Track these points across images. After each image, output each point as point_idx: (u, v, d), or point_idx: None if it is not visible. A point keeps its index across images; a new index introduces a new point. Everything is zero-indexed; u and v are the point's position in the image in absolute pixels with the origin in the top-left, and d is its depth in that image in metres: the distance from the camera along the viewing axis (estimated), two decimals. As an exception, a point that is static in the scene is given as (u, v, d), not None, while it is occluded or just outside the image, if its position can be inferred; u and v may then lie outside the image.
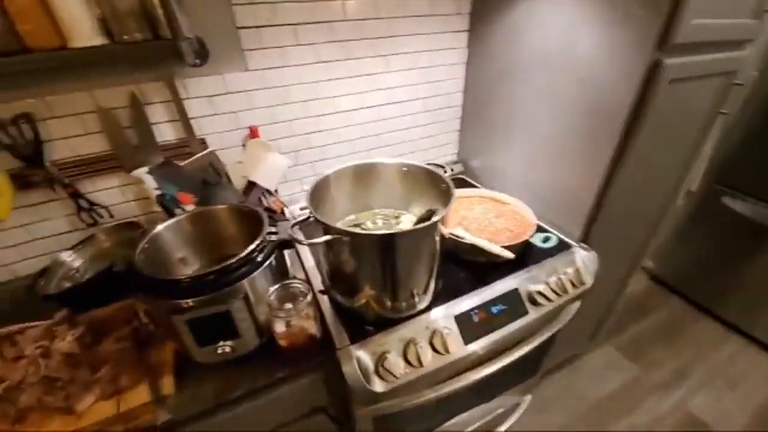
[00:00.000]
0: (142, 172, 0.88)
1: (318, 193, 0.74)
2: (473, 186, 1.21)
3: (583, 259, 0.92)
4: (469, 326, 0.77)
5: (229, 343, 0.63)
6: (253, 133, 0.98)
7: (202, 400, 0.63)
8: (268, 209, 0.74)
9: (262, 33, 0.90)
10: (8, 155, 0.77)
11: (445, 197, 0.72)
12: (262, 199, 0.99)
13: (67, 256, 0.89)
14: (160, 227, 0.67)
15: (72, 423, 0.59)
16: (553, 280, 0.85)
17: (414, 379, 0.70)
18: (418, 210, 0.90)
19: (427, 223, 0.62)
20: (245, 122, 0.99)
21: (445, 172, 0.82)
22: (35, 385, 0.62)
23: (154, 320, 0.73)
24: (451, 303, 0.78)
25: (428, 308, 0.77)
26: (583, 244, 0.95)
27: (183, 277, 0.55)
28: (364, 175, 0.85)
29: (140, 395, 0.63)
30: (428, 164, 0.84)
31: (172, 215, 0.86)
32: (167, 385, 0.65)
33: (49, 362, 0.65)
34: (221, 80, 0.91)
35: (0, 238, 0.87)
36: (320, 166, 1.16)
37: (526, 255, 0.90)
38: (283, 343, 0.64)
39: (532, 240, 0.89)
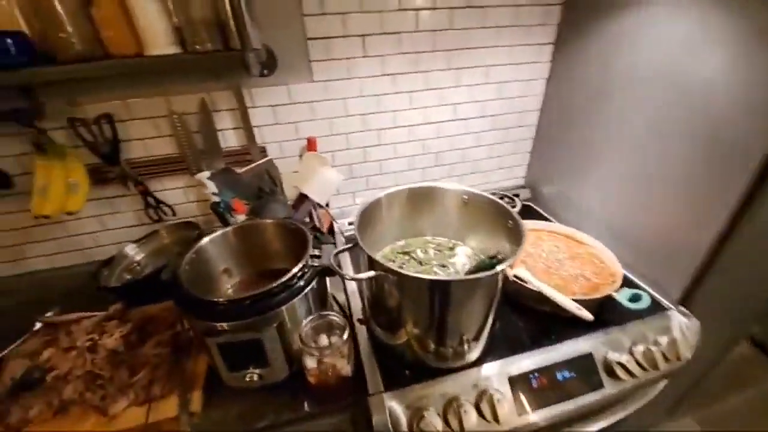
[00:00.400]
0: (204, 176, 0.90)
1: (367, 217, 0.68)
2: (543, 218, 1.06)
3: (682, 327, 0.74)
4: (526, 392, 0.64)
5: (258, 371, 0.59)
6: (311, 144, 0.96)
7: (227, 425, 0.60)
8: (315, 228, 0.69)
9: (331, 44, 0.87)
10: (88, 152, 0.83)
11: (513, 237, 0.62)
12: (312, 211, 0.97)
13: (131, 249, 0.94)
14: (206, 240, 0.66)
15: (103, 425, 0.59)
16: (640, 350, 0.69)
17: (453, 446, 0.60)
18: (476, 243, 0.80)
19: (490, 273, 0.52)
20: (304, 133, 0.97)
21: (513, 205, 0.71)
22: (79, 378, 0.64)
23: (194, 329, 0.73)
24: (507, 360, 0.67)
25: (479, 361, 0.66)
26: (683, 308, 0.77)
27: (220, 300, 0.52)
28: (419, 198, 0.78)
29: (170, 407, 0.61)
30: (493, 193, 0.74)
31: (224, 222, 0.87)
32: (196, 401, 0.62)
33: (95, 358, 0.67)
34: (286, 90, 0.90)
35: (75, 226, 0.95)
36: (375, 180, 1.11)
37: (605, 311, 0.75)
38: (312, 380, 0.59)
39: (615, 295, 0.74)
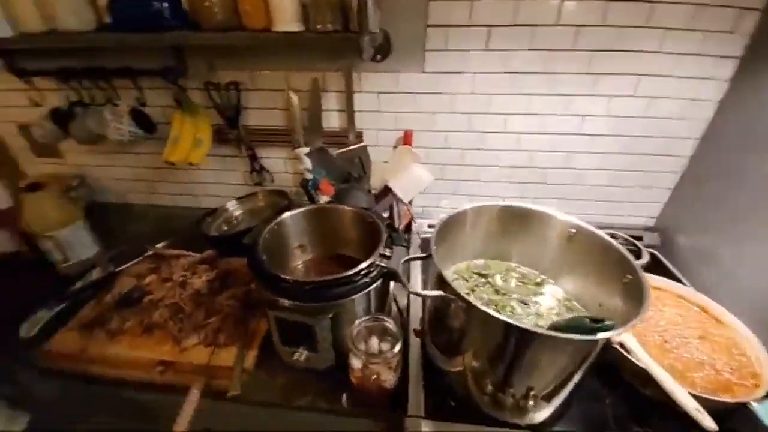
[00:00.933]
0: (302, 151, 0.94)
1: (448, 229, 0.61)
2: (671, 274, 0.84)
3: None
4: None
5: (306, 353, 0.59)
6: (407, 137, 0.92)
7: (269, 391, 0.63)
8: (390, 226, 0.66)
9: (450, 33, 0.81)
10: (215, 113, 0.93)
11: (629, 296, 0.49)
12: (394, 206, 0.93)
13: (231, 205, 1.05)
14: (288, 214, 0.68)
15: (175, 354, 0.67)
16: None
17: None
18: (572, 287, 0.67)
19: (588, 338, 0.42)
20: (403, 124, 0.94)
21: (638, 255, 0.55)
22: (167, 307, 0.73)
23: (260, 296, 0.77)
24: (581, 436, 0.55)
25: (542, 426, 0.56)
26: None
27: (287, 278, 0.53)
28: (512, 219, 0.68)
29: (228, 357, 0.66)
30: (608, 230, 0.60)
31: (311, 198, 0.90)
32: (250, 359, 0.66)
33: (183, 293, 0.77)
34: (395, 78, 0.87)
35: (193, 176, 1.09)
36: (467, 187, 1.02)
37: (734, 422, 0.56)
38: (354, 380, 0.57)
39: (754, 405, 0.54)
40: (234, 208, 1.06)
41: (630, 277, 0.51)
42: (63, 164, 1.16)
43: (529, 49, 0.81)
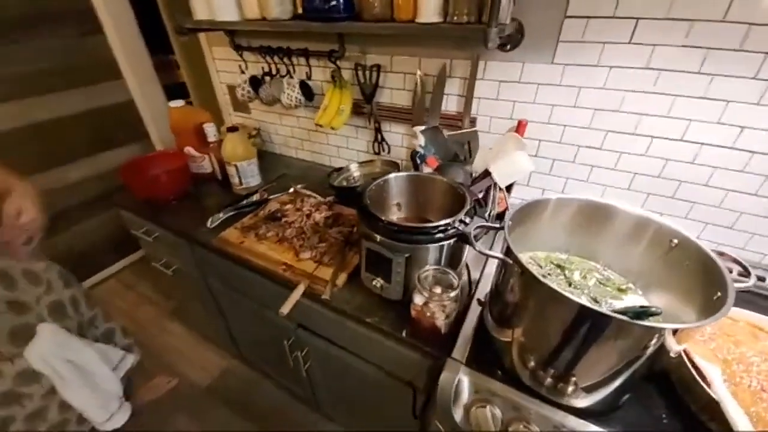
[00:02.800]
0: (419, 129, 1.07)
1: (528, 213, 0.65)
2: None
3: None
4: None
5: (381, 282, 0.73)
6: (521, 127, 0.95)
7: (349, 304, 0.80)
8: (477, 201, 0.73)
9: (590, 24, 0.79)
10: (357, 89, 1.13)
11: (708, 312, 0.46)
12: (491, 189, 0.98)
13: (353, 167, 1.26)
14: (392, 175, 0.82)
15: (293, 260, 0.90)
16: None
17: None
18: (663, 302, 0.62)
19: (642, 323, 0.43)
20: (518, 114, 0.96)
21: (745, 277, 0.49)
22: (295, 229, 0.98)
23: (359, 231, 0.95)
24: (619, 436, 0.54)
25: (580, 413, 0.57)
26: None
27: (380, 217, 0.67)
28: (596, 216, 0.67)
29: (326, 273, 0.86)
30: (720, 253, 0.54)
31: (416, 168, 1.03)
32: (341, 279, 0.85)
33: (306, 222, 1.00)
34: (519, 68, 0.91)
35: (330, 140, 1.35)
36: (575, 186, 0.99)
37: None
38: (413, 312, 0.68)
39: None
40: (355, 170, 1.27)
41: (720, 294, 0.47)
42: (249, 118, 1.58)
43: (682, 46, 0.74)
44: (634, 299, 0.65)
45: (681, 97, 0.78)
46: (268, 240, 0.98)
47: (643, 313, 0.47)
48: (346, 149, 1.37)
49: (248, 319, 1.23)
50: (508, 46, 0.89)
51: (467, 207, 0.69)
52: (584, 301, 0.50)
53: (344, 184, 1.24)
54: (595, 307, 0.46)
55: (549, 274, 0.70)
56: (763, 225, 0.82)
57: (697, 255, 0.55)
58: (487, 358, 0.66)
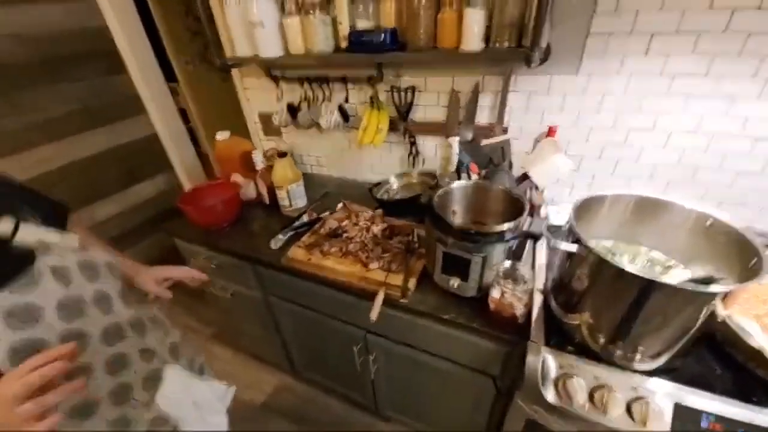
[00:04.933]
0: (454, 140, 1.18)
1: (586, 207, 0.76)
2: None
3: None
4: (690, 426, 0.62)
5: (458, 281, 0.84)
6: (551, 132, 1.07)
7: (426, 305, 0.90)
8: (531, 204, 0.84)
9: (611, 39, 0.91)
10: (393, 107, 1.24)
11: (750, 277, 0.57)
12: (528, 191, 1.10)
13: (392, 180, 1.37)
14: (454, 185, 0.93)
15: (362, 272, 1.00)
16: None
17: (588, 420, 0.68)
18: (702, 271, 0.74)
19: (700, 289, 0.54)
20: (548, 120, 1.08)
21: (774, 248, 0.61)
22: (357, 243, 1.08)
23: (419, 241, 1.06)
24: (683, 388, 0.65)
25: (649, 373, 0.68)
26: None
27: (456, 224, 0.78)
28: (648, 209, 0.78)
29: (397, 280, 0.96)
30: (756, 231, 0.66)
31: (459, 177, 1.14)
32: (411, 283, 0.95)
33: (366, 235, 1.11)
34: (547, 80, 1.03)
35: (364, 155, 1.46)
36: (602, 180, 1.10)
37: None
38: (492, 305, 0.79)
39: None
40: (394, 182, 1.38)
41: (755, 262, 0.59)
42: (281, 141, 1.67)
43: (691, 53, 0.86)
44: (680, 273, 0.76)
45: (693, 96, 0.90)
46: (333, 255, 1.08)
47: (707, 281, 0.58)
48: (379, 164, 1.47)
49: (310, 332, 1.32)
50: (538, 62, 1.01)
51: (527, 207, 0.80)
52: (644, 273, 0.61)
53: (385, 196, 1.34)
54: (661, 279, 0.57)
55: (602, 259, 0.81)
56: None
57: (729, 231, 0.67)
58: (558, 338, 0.77)
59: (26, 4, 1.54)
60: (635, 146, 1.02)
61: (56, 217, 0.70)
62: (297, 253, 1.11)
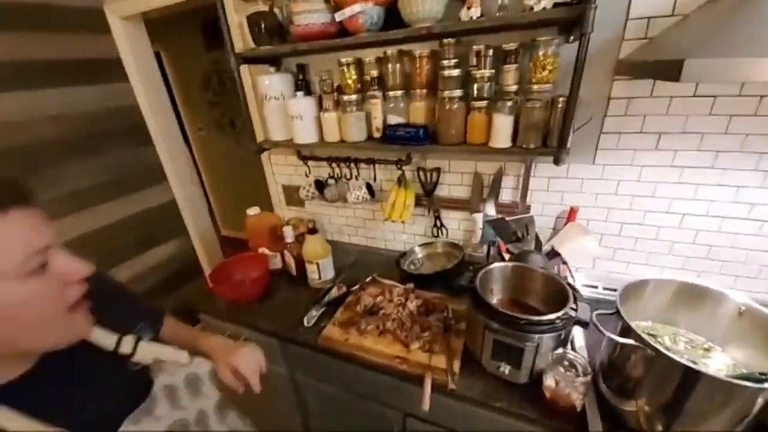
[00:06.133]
0: (478, 216, 1.25)
1: (629, 292, 0.81)
2: None
3: None
4: None
5: (508, 368, 0.85)
6: (573, 213, 1.15)
7: (474, 391, 0.89)
8: (573, 287, 0.88)
9: (622, 137, 1.03)
10: (419, 185, 1.33)
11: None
12: (557, 266, 1.15)
13: (418, 250, 1.42)
14: (494, 266, 0.98)
15: (403, 352, 1.00)
16: None
17: None
18: (741, 356, 0.78)
19: (755, 386, 0.58)
20: (568, 201, 1.17)
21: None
22: (394, 320, 1.09)
23: (455, 317, 1.07)
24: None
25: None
26: None
27: (507, 312, 0.81)
28: (688, 293, 0.84)
29: (441, 361, 0.96)
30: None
31: (488, 252, 1.19)
32: (456, 365, 0.95)
33: (402, 312, 1.12)
34: (565, 168, 1.13)
35: (387, 227, 1.52)
36: (623, 254, 1.17)
37: None
38: (547, 394, 0.79)
39: None
40: (419, 252, 1.43)
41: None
42: (303, 211, 1.73)
43: (697, 150, 0.98)
44: (719, 357, 0.80)
45: (702, 185, 1.01)
46: (370, 333, 1.08)
47: (764, 379, 0.61)
48: (402, 233, 1.53)
49: (339, 413, 1.27)
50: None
51: (571, 296, 0.85)
52: (707, 370, 0.64)
53: (411, 267, 1.38)
54: (719, 375, 0.60)
55: (646, 343, 0.84)
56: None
57: (764, 317, 0.72)
58: (611, 423, 0.77)
59: (66, 87, 1.66)
60: (652, 226, 1.10)
61: (155, 323, 0.69)
62: (333, 332, 1.11)
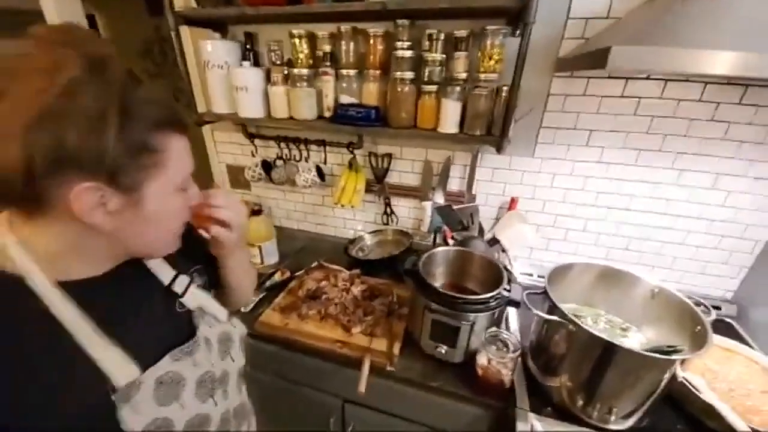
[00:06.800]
0: (428, 204, 1.27)
1: (557, 274, 0.86)
2: (743, 341, 0.97)
3: None
4: None
5: (445, 347, 0.86)
6: (513, 202, 1.20)
7: (413, 372, 0.90)
8: (508, 270, 0.92)
9: (558, 133, 1.09)
10: (370, 171, 1.31)
11: (696, 343, 0.68)
12: (497, 253, 1.20)
13: (367, 237, 1.41)
14: (437, 250, 0.99)
15: (345, 336, 0.98)
16: None
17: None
18: (652, 335, 0.86)
19: (664, 357, 0.63)
20: (509, 192, 1.22)
21: (707, 313, 0.74)
22: (337, 305, 1.06)
23: (399, 302, 1.07)
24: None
25: (624, 433, 0.74)
26: None
27: (445, 292, 0.82)
28: (608, 277, 0.90)
29: (382, 344, 0.95)
30: (689, 297, 0.79)
31: (434, 239, 1.21)
32: (396, 348, 0.94)
33: (346, 297, 1.10)
34: (507, 160, 1.18)
35: (337, 213, 1.50)
36: (557, 245, 1.25)
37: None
38: (479, 371, 0.82)
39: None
40: (368, 239, 1.41)
41: (699, 328, 0.70)
42: (248, 194, 1.64)
43: (622, 147, 1.07)
44: (635, 336, 0.87)
45: (624, 180, 1.10)
46: (312, 318, 1.04)
47: (672, 351, 0.67)
48: (352, 220, 1.50)
49: (277, 402, 1.21)
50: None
51: (506, 277, 0.88)
52: (629, 345, 0.69)
53: (360, 254, 1.36)
54: (636, 348, 0.65)
55: (571, 323, 0.90)
56: (692, 265, 1.15)
57: (673, 298, 0.80)
58: (538, 399, 0.81)
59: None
60: (581, 218, 1.19)
61: (207, 272, 0.65)
62: (272, 317, 1.05)
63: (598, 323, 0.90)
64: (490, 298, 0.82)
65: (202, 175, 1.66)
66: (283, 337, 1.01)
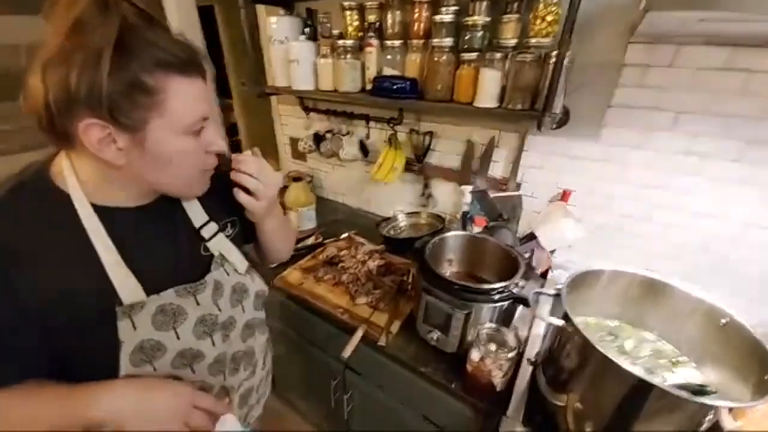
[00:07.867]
0: (467, 189, 1.17)
1: (581, 280, 0.71)
2: None
3: None
4: None
5: (437, 333, 0.79)
6: (566, 196, 1.03)
7: (405, 353, 0.86)
8: (529, 265, 0.80)
9: (633, 113, 0.89)
10: (410, 149, 1.27)
11: (760, 391, 0.50)
12: (536, 250, 1.05)
13: (401, 217, 1.37)
14: (449, 234, 0.92)
15: (349, 304, 0.98)
16: None
17: None
18: (715, 376, 0.65)
19: (699, 400, 0.48)
20: (562, 183, 1.05)
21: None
22: (351, 275, 1.07)
23: (413, 284, 1.03)
24: None
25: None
26: None
27: (443, 275, 0.75)
28: (653, 290, 0.72)
29: (381, 320, 0.93)
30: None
31: (464, 227, 1.12)
32: (395, 326, 0.91)
33: (362, 269, 1.10)
34: (563, 144, 1.01)
35: (378, 190, 1.48)
36: (620, 253, 1.03)
37: None
38: (469, 367, 0.73)
39: None
40: (402, 220, 1.38)
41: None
42: (304, 166, 1.75)
43: (721, 136, 0.82)
44: (687, 372, 0.68)
45: (721, 180, 0.84)
46: (326, 282, 1.07)
47: (700, 391, 0.51)
48: (393, 200, 1.48)
49: (292, 354, 1.29)
50: (555, 126, 1.00)
51: (521, 271, 0.76)
52: (640, 372, 0.54)
53: (391, 233, 1.33)
54: (653, 380, 0.50)
55: (600, 340, 0.74)
56: None
57: (745, 335, 0.59)
58: (540, 418, 0.69)
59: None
60: (660, 223, 0.95)
61: (240, 226, 0.67)
62: (292, 275, 1.12)
63: (640, 349, 0.72)
64: (493, 289, 0.72)
65: (268, 145, 1.84)
66: (294, 293, 1.06)
